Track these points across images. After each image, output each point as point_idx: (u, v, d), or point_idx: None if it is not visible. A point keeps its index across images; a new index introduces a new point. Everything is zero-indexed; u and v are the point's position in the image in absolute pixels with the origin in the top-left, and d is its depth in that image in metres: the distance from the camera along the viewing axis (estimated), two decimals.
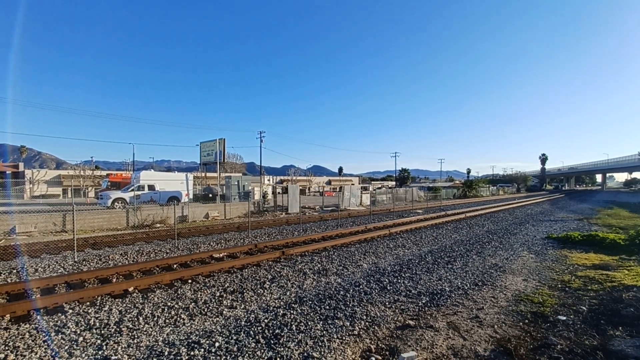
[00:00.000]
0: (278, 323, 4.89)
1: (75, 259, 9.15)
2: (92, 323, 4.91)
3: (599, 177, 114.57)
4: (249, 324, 4.88)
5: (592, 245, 10.89)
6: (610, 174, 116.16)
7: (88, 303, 5.77)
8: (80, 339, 4.41)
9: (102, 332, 4.64)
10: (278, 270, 8.03)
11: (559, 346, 4.10)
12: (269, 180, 61.62)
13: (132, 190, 21.53)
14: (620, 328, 4.53)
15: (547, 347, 4.10)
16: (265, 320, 4.97)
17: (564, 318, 5.02)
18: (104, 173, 51.79)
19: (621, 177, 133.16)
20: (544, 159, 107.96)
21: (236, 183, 26.28)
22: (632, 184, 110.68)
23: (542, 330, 4.65)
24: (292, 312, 5.34)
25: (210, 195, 28.89)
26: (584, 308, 5.39)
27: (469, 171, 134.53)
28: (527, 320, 5.02)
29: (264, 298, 6.06)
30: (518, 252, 10.12)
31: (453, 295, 6.20)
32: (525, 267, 8.33)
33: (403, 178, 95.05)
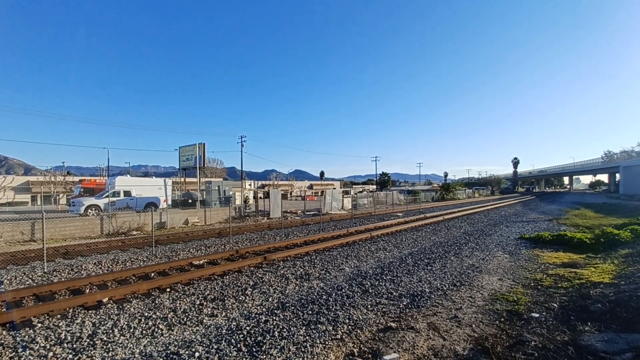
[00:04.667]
0: (260, 330, 4.83)
1: (45, 270, 8.69)
2: (63, 337, 4.67)
3: (566, 180, 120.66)
4: (230, 332, 4.80)
5: (561, 245, 11.43)
6: (577, 177, 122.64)
7: (59, 316, 5.50)
8: (50, 354, 4.19)
9: (74, 346, 4.42)
10: (260, 276, 7.94)
11: (532, 343, 4.27)
12: (250, 185, 60.91)
13: (107, 196, 20.74)
14: (589, 323, 4.77)
15: (522, 343, 4.27)
16: (247, 328, 4.91)
17: (537, 315, 5.24)
18: (76, 179, 49.56)
19: (586, 179, 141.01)
20: (516, 163, 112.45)
21: (217, 188, 25.82)
22: (596, 186, 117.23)
23: (517, 328, 4.83)
24: (274, 318, 5.29)
25: (190, 201, 28.27)
26: (555, 305, 5.65)
27: (446, 174, 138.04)
28: (502, 319, 5.20)
29: (245, 305, 5.98)
30: (493, 253, 10.48)
31: (433, 296, 6.34)
32: (500, 267, 8.64)
33: (383, 182, 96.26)
